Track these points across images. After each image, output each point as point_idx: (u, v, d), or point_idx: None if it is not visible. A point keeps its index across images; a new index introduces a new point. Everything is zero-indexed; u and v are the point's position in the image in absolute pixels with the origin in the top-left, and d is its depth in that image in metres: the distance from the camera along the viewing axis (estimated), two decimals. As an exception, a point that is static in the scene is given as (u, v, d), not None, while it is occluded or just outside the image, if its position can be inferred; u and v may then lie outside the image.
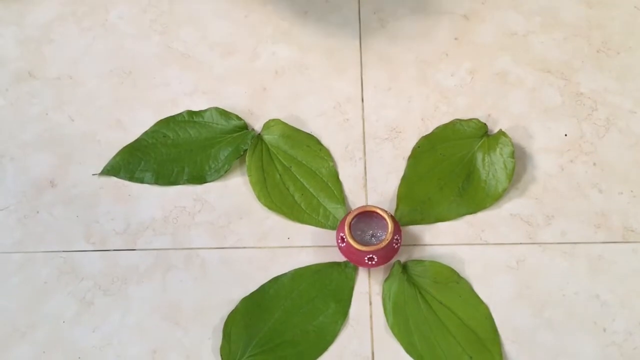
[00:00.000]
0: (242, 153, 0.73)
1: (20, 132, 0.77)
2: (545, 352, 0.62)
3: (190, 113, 0.76)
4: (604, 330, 0.63)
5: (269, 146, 0.74)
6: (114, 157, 0.74)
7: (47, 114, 0.78)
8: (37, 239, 0.70)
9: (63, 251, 0.69)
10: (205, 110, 0.76)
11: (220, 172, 0.73)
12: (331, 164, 0.73)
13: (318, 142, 0.75)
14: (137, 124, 0.76)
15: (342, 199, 0.71)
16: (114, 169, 0.74)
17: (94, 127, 0.77)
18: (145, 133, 0.75)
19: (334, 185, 0.72)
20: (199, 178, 0.73)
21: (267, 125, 0.75)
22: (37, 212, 0.72)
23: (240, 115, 0.76)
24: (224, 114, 0.76)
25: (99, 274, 0.68)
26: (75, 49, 0.82)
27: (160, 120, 0.76)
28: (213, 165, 0.73)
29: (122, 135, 0.76)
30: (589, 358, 0.62)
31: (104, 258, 0.69)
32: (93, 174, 0.74)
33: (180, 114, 0.76)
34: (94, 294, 0.67)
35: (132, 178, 0.73)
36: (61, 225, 0.71)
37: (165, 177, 0.73)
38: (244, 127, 0.75)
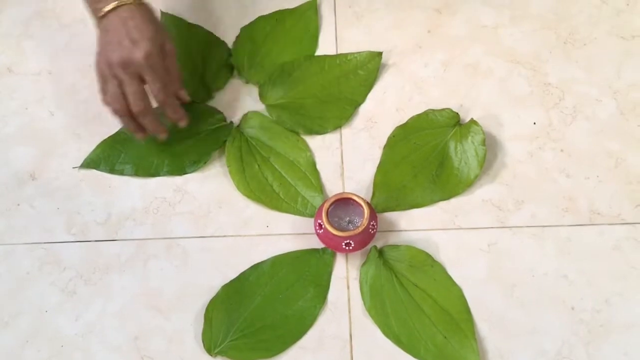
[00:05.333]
0: (221, 145, 0.75)
1: (1, 126, 0.77)
2: (516, 330, 0.65)
3: (170, 106, 0.77)
4: (572, 308, 0.65)
5: (248, 138, 0.75)
6: (94, 150, 0.75)
7: (27, 108, 0.79)
8: (18, 231, 0.71)
9: (45, 242, 0.70)
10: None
11: (200, 164, 0.74)
12: (309, 153, 0.75)
13: (296, 133, 0.76)
14: (117, 118, 0.77)
15: (319, 187, 0.73)
16: (94, 162, 0.75)
17: (74, 120, 0.78)
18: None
19: (311, 175, 0.73)
20: (178, 169, 0.74)
21: (246, 117, 0.77)
22: (18, 204, 0.72)
23: (219, 108, 0.77)
24: (202, 106, 0.77)
25: (80, 264, 0.69)
26: (54, 44, 0.83)
27: (140, 114, 0.77)
28: (193, 157, 0.74)
29: (102, 128, 0.76)
30: (558, 335, 0.64)
31: (85, 248, 0.70)
32: (73, 167, 0.75)
33: (160, 106, 0.77)
34: (76, 284, 0.68)
35: (112, 170, 0.74)
36: (42, 217, 0.72)
37: (145, 169, 0.74)
38: (223, 119, 0.77)
